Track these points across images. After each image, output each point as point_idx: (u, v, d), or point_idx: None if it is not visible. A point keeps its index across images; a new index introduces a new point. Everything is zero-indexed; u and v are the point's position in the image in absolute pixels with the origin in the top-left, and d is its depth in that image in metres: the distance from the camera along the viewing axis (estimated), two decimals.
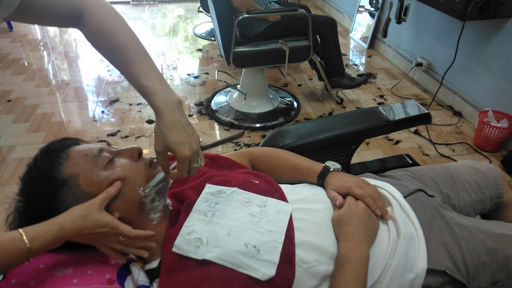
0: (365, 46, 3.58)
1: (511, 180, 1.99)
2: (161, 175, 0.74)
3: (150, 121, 2.46)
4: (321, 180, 0.91)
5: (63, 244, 0.71)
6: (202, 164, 0.74)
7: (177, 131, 0.67)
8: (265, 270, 0.69)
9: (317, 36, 2.52)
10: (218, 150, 2.23)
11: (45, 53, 3.48)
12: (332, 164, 0.93)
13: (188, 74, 3.12)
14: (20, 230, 0.62)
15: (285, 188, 0.90)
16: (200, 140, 0.75)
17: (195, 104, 2.68)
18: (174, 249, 0.71)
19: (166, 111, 0.67)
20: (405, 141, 2.31)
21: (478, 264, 0.83)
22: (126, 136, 2.32)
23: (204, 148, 0.76)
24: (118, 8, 4.71)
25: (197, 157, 0.71)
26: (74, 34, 3.86)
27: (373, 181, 0.97)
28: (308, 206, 0.85)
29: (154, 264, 0.74)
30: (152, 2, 4.92)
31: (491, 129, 2.12)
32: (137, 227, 0.75)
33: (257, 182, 0.88)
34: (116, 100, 2.70)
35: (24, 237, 0.61)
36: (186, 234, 0.74)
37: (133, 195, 0.74)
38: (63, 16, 0.71)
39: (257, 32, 2.28)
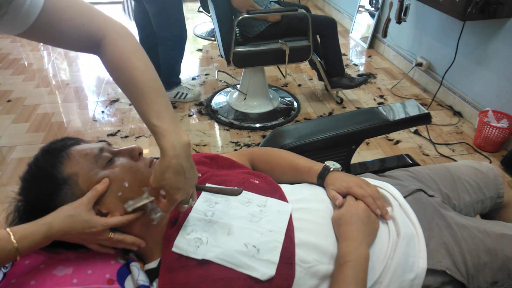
0: (365, 46, 3.58)
1: (511, 180, 1.99)
2: (149, 199, 0.73)
3: None
4: (321, 180, 0.91)
5: (63, 244, 0.71)
6: (192, 205, 0.74)
7: (177, 176, 0.66)
8: (265, 269, 0.69)
9: (317, 36, 2.53)
10: (218, 151, 2.23)
11: (45, 53, 3.48)
12: (332, 164, 0.93)
13: (188, 74, 3.12)
14: (8, 230, 0.62)
15: (285, 188, 0.90)
16: (199, 175, 0.75)
17: (195, 104, 2.68)
18: (173, 249, 0.71)
19: (171, 154, 0.65)
20: (405, 141, 2.31)
21: (478, 264, 0.83)
22: (126, 136, 2.32)
23: (198, 188, 0.75)
24: (118, 8, 4.71)
25: (189, 198, 0.71)
26: None
27: (373, 181, 0.97)
28: (308, 206, 0.85)
29: (154, 264, 0.74)
30: None
31: (491, 129, 2.12)
32: (137, 228, 0.75)
33: (257, 182, 0.88)
34: (116, 100, 2.70)
35: (12, 237, 0.61)
36: (186, 234, 0.74)
37: (133, 195, 0.74)
38: (80, 43, 0.69)
39: (257, 32, 2.28)
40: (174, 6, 2.37)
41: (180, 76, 2.73)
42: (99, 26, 0.69)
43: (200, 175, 0.79)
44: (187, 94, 2.65)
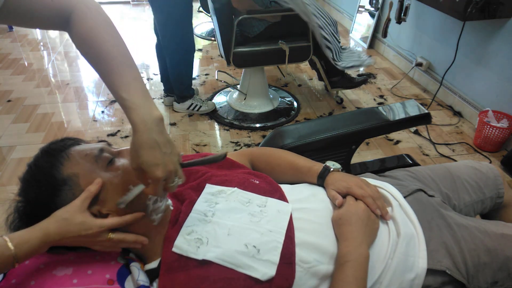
0: (365, 46, 3.58)
1: (511, 180, 1.99)
2: (139, 188, 0.71)
3: None
4: (321, 180, 0.91)
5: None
6: (180, 182, 0.71)
7: (152, 151, 0.63)
8: (265, 270, 0.69)
9: None
10: (218, 151, 2.23)
11: (45, 53, 3.48)
12: (332, 164, 0.93)
13: None
14: (5, 237, 0.62)
15: (285, 188, 0.90)
16: (181, 153, 0.73)
17: None
18: (174, 249, 0.71)
19: (142, 129, 0.63)
20: (405, 141, 2.31)
21: (478, 264, 0.83)
22: (126, 136, 2.32)
23: (183, 165, 0.73)
24: (118, 8, 4.71)
25: (174, 176, 0.68)
26: None
27: (373, 181, 0.97)
28: (308, 206, 0.85)
29: (154, 264, 0.74)
30: None
31: (491, 129, 2.12)
32: (138, 228, 0.75)
33: (257, 182, 0.88)
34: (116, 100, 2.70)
35: (9, 243, 0.61)
36: (186, 234, 0.74)
37: (137, 197, 0.73)
38: (49, 19, 0.68)
39: (257, 32, 2.27)
40: (183, 15, 2.23)
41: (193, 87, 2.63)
42: (68, 1, 0.68)
43: (182, 153, 0.77)
44: (200, 106, 2.53)
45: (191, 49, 2.41)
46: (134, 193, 0.71)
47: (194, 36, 3.89)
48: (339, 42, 2.40)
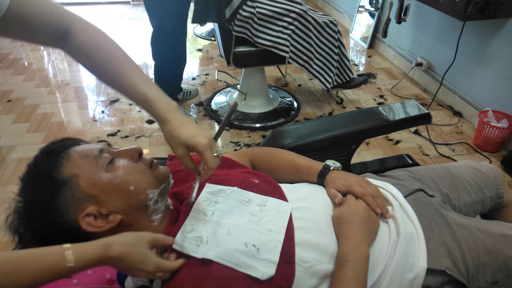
0: (365, 46, 3.58)
1: (511, 180, 1.99)
2: (198, 180, 0.75)
3: (150, 121, 2.46)
4: (321, 179, 0.91)
5: (66, 241, 0.70)
6: (220, 155, 0.75)
7: (187, 126, 0.69)
8: (265, 269, 0.69)
9: None
10: (218, 151, 2.22)
11: (45, 53, 3.48)
12: (332, 163, 0.93)
13: (188, 74, 3.12)
14: (64, 246, 0.59)
15: (285, 187, 0.90)
16: None
17: (195, 104, 2.68)
18: (174, 246, 0.71)
19: (170, 115, 0.69)
20: (405, 141, 2.31)
21: (478, 264, 0.83)
22: (126, 136, 2.32)
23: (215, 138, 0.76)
24: (118, 8, 4.71)
25: (215, 146, 0.72)
26: None
27: (373, 181, 0.97)
28: (308, 205, 0.85)
29: None
30: None
31: (491, 129, 2.12)
32: (137, 229, 0.75)
33: (257, 181, 0.88)
34: (116, 100, 2.70)
35: (68, 253, 0.58)
36: (186, 232, 0.74)
37: (138, 198, 0.73)
38: (48, 33, 0.70)
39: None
40: (175, 25, 2.18)
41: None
42: (65, 14, 0.71)
43: None
44: (185, 114, 2.48)
45: (180, 60, 2.37)
46: (197, 186, 0.75)
47: (194, 35, 3.90)
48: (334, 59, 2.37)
